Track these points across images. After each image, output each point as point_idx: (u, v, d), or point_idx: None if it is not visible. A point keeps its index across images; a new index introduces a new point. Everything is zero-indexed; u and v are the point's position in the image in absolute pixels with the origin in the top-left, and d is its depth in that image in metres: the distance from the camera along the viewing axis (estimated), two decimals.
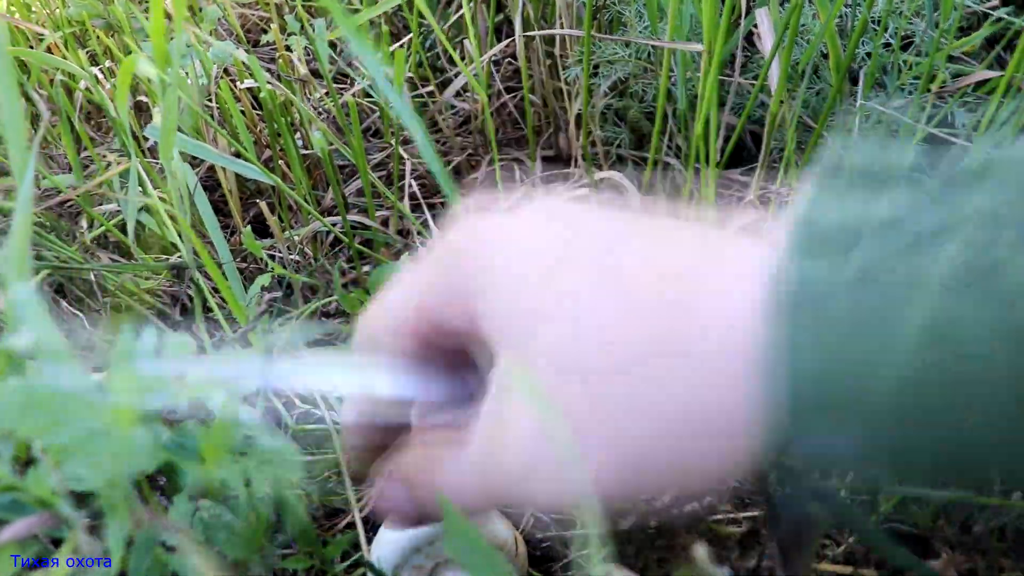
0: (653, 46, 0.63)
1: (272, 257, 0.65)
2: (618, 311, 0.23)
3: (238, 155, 0.62)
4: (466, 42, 0.67)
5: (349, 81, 0.82)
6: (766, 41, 0.57)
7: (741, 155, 0.74)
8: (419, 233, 0.66)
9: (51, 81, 0.73)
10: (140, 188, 0.60)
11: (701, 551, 0.27)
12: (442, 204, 0.72)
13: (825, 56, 0.64)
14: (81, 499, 0.29)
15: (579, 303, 0.23)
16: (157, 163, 0.70)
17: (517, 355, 0.24)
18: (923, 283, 0.20)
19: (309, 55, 0.81)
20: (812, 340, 0.21)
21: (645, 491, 0.27)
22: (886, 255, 0.21)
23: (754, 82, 0.61)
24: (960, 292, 0.20)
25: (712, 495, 0.43)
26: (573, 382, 0.23)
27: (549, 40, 0.66)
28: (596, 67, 0.66)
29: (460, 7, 0.74)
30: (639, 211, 0.27)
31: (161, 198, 0.64)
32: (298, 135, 0.71)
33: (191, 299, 0.62)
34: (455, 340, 0.27)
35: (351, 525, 0.53)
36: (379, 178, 0.73)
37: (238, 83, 0.70)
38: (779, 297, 0.21)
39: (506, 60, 0.75)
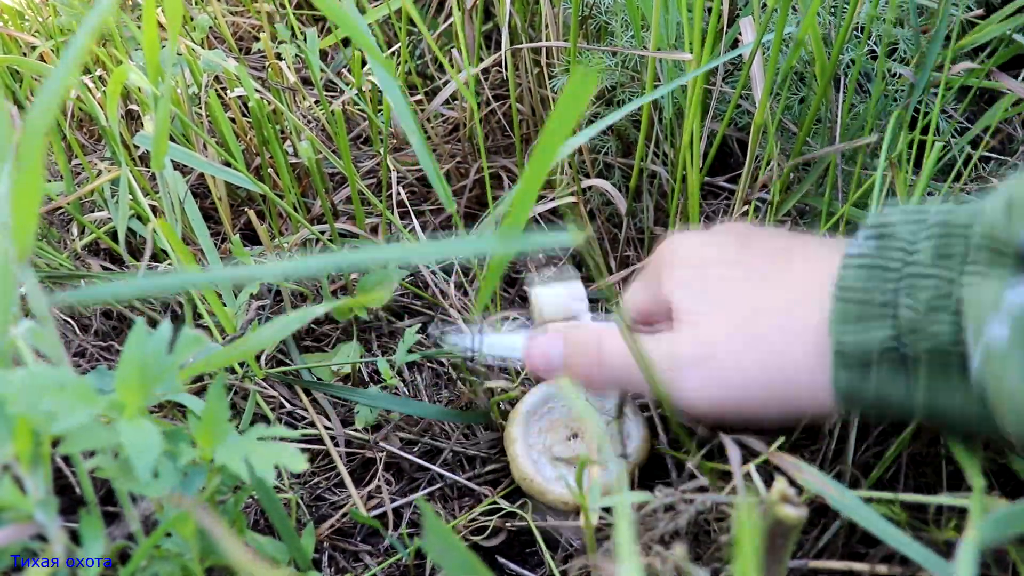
0: (640, 55, 0.63)
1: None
2: (749, 300, 0.40)
3: (227, 163, 0.63)
4: (454, 51, 0.68)
5: (338, 89, 0.82)
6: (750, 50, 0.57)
7: (728, 162, 0.75)
8: (408, 240, 0.66)
9: None
10: (131, 196, 0.60)
11: (680, 550, 0.27)
12: (431, 211, 0.73)
13: (809, 63, 0.65)
14: (64, 507, 0.29)
15: (725, 293, 0.42)
16: (147, 171, 0.71)
17: (690, 315, 0.42)
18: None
19: (299, 63, 0.81)
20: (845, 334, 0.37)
21: (742, 411, 0.41)
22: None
23: (744, 91, 0.62)
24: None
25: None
26: (718, 323, 0.41)
27: (536, 49, 0.67)
28: None
29: (449, 16, 0.74)
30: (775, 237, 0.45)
31: (152, 206, 0.64)
32: (287, 143, 0.72)
33: (181, 306, 0.63)
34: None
35: (339, 531, 0.54)
36: (368, 186, 0.73)
37: (228, 91, 0.71)
38: (834, 311, 0.37)
39: (494, 68, 0.76)
